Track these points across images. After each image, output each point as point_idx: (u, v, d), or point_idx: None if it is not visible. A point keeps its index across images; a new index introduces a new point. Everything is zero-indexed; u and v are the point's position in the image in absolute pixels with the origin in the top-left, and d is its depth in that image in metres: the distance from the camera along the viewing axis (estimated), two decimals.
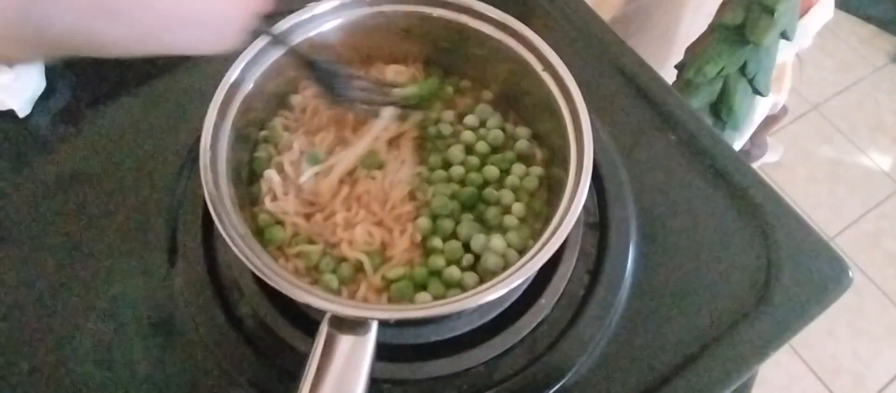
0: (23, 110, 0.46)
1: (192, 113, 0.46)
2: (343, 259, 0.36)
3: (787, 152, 1.54)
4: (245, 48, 0.36)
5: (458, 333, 0.38)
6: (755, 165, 1.29)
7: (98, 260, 0.41)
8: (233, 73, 0.36)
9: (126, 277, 0.41)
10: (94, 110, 0.48)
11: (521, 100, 0.42)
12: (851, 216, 1.51)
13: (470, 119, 0.42)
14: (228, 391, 0.37)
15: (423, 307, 0.32)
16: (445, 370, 0.37)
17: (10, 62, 0.17)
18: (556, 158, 0.38)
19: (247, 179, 0.39)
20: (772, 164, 1.50)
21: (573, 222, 0.31)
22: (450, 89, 0.43)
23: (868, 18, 1.84)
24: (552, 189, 0.39)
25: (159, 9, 0.20)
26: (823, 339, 1.35)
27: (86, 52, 0.19)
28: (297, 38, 0.38)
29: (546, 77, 0.37)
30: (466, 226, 0.37)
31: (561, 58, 0.37)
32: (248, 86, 0.37)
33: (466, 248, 0.37)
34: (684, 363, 0.39)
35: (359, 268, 0.36)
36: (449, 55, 0.43)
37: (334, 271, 0.35)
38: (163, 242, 0.41)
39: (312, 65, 0.36)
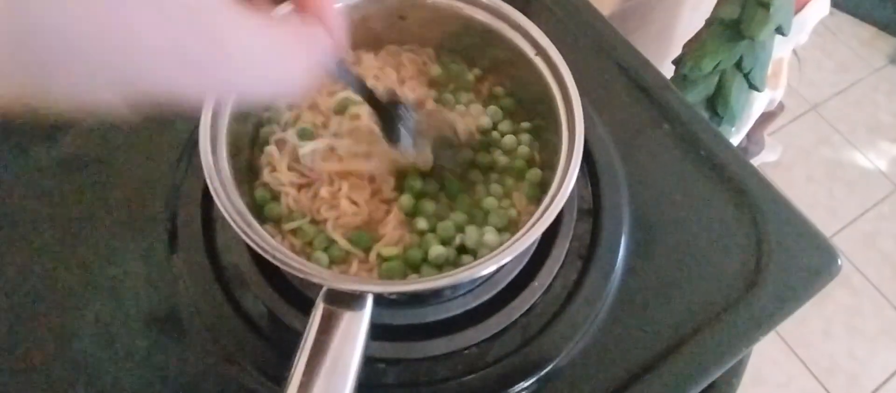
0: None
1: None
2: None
3: (785, 152, 1.55)
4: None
5: (452, 314, 0.38)
6: (753, 163, 1.30)
7: (98, 243, 0.42)
8: None
9: (126, 259, 0.41)
10: None
11: (515, 84, 0.43)
12: (849, 216, 1.52)
13: (483, 120, 0.42)
14: (228, 372, 0.38)
15: (419, 281, 0.32)
16: (440, 350, 0.38)
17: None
18: (549, 140, 0.39)
19: (247, 160, 0.40)
20: (770, 163, 1.51)
21: (566, 196, 0.31)
22: (470, 76, 0.44)
23: (868, 20, 1.84)
24: (545, 173, 0.39)
25: (235, 60, 0.19)
26: (820, 338, 1.35)
27: (160, 100, 0.18)
28: None
29: (538, 61, 0.38)
30: (456, 215, 0.38)
31: (559, 50, 0.38)
32: None
33: (460, 229, 0.37)
34: (675, 346, 0.40)
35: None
36: (444, 40, 0.44)
37: (326, 249, 0.36)
38: (162, 225, 0.42)
39: (378, 104, 0.35)
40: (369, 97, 0.34)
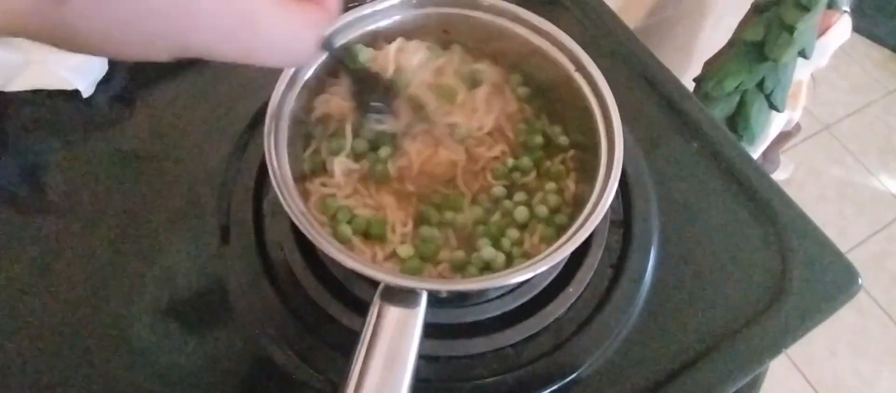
0: (87, 91, 0.49)
1: (242, 100, 0.49)
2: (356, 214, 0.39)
3: (797, 170, 1.56)
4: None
5: (491, 315, 0.40)
6: None
7: (154, 234, 0.44)
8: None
9: (180, 250, 0.43)
10: (150, 93, 0.51)
11: (554, 99, 0.44)
12: (859, 236, 1.52)
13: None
14: (274, 359, 0.40)
15: (471, 281, 0.34)
16: (477, 349, 0.40)
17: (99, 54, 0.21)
18: (587, 155, 0.41)
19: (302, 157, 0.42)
20: (781, 181, 1.52)
21: (606, 209, 0.33)
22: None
23: (882, 42, 1.85)
24: (580, 185, 0.41)
25: (261, 34, 0.24)
26: (826, 357, 1.36)
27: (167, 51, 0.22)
28: (354, 33, 0.41)
29: (578, 77, 0.40)
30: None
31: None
32: (308, 73, 0.40)
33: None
34: (699, 356, 0.41)
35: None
36: (486, 54, 0.46)
37: (349, 222, 0.38)
38: (215, 218, 0.44)
39: (359, 76, 0.38)
40: (353, 69, 0.38)
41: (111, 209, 0.45)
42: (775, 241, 0.46)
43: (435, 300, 0.38)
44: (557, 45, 0.41)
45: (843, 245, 1.49)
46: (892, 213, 1.58)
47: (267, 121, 0.36)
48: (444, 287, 0.33)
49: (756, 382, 0.46)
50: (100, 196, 0.45)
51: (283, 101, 0.38)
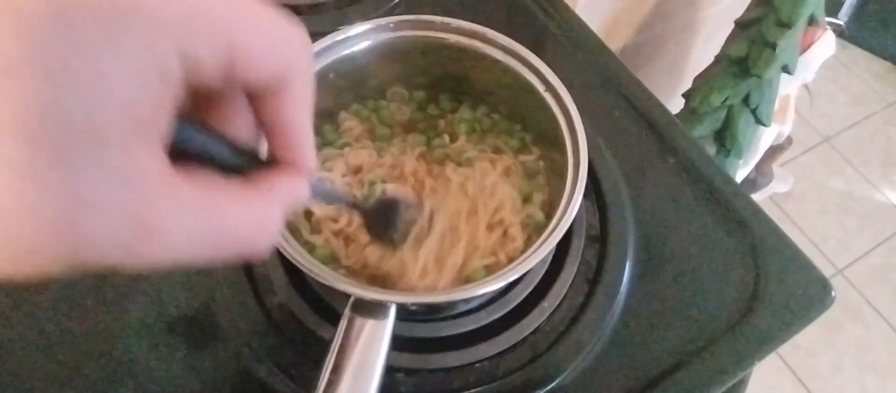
0: None
1: None
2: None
3: (797, 183, 1.56)
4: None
5: (467, 329, 0.41)
6: (763, 194, 1.32)
7: None
8: None
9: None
10: None
11: (525, 116, 0.46)
12: (860, 250, 1.52)
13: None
14: (257, 372, 0.41)
15: (437, 294, 0.35)
16: (455, 362, 0.41)
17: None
18: (556, 166, 0.42)
19: None
20: (781, 194, 1.52)
21: (573, 215, 0.34)
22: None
23: (882, 54, 1.86)
24: (552, 203, 0.43)
25: (145, 211, 0.17)
26: (831, 372, 1.35)
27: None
28: (329, 59, 0.43)
29: (547, 96, 0.41)
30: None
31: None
32: None
33: None
34: (674, 367, 0.42)
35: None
36: (459, 76, 0.47)
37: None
38: None
39: (367, 211, 0.37)
40: (356, 206, 0.36)
41: None
42: (749, 254, 0.47)
43: (410, 315, 0.40)
44: (527, 65, 0.43)
45: (845, 259, 1.50)
46: (894, 225, 1.57)
47: None
48: (413, 300, 0.34)
49: (738, 389, 0.47)
50: None
51: None
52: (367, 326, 0.31)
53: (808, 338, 1.36)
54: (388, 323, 0.31)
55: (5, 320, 0.42)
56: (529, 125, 0.46)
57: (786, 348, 1.33)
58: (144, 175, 0.17)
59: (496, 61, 0.43)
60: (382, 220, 0.37)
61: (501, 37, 0.43)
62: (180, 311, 0.43)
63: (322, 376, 0.30)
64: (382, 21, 0.43)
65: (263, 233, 0.20)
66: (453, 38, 0.44)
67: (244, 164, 0.21)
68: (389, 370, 0.40)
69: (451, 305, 0.39)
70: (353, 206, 0.35)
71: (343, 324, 0.31)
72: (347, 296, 0.33)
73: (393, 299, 0.32)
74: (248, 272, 0.44)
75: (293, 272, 0.43)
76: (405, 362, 0.41)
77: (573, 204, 0.35)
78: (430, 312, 0.41)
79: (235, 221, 0.20)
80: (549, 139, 0.43)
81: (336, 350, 0.31)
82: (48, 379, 0.40)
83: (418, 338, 0.41)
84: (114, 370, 0.40)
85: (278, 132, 0.22)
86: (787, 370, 1.35)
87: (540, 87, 0.41)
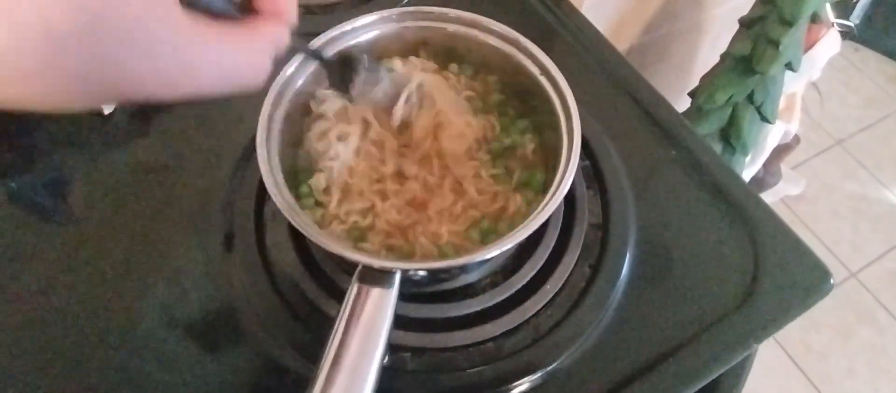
0: (107, 108, 0.53)
1: (247, 116, 0.53)
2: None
3: (809, 186, 1.55)
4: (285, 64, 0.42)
5: (472, 310, 0.43)
6: (772, 195, 1.31)
7: (164, 238, 0.48)
8: (287, 70, 0.42)
9: (188, 254, 0.47)
10: (165, 111, 0.55)
11: (523, 100, 0.47)
12: (874, 253, 1.50)
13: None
14: (273, 353, 0.43)
15: (439, 260, 0.37)
16: (460, 342, 0.42)
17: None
18: (551, 148, 0.43)
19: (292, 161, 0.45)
20: (793, 197, 1.52)
21: (567, 187, 0.36)
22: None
23: (894, 56, 1.85)
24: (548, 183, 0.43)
25: (204, 76, 0.25)
26: (844, 376, 1.34)
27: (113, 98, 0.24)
28: (335, 49, 0.44)
29: (543, 80, 0.43)
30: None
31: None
32: (300, 80, 0.43)
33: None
34: (673, 350, 0.43)
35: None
36: (461, 62, 0.49)
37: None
38: (220, 225, 0.48)
39: (329, 62, 0.40)
40: (318, 57, 0.39)
41: (124, 216, 0.49)
42: (749, 242, 0.48)
43: (418, 296, 0.42)
44: (524, 51, 0.45)
45: (858, 262, 1.49)
46: None
47: (259, 125, 0.40)
48: (417, 266, 0.35)
49: (739, 374, 0.48)
50: (115, 203, 0.49)
51: (277, 102, 0.42)
52: (374, 294, 0.33)
53: (820, 341, 1.35)
54: (393, 291, 0.33)
55: (31, 298, 0.44)
56: (528, 107, 0.47)
57: (798, 352, 1.33)
58: (183, 24, 0.23)
59: (495, 49, 0.45)
60: (341, 73, 0.40)
61: (499, 25, 0.45)
62: (200, 296, 0.45)
63: (331, 343, 0.32)
64: (386, 13, 0.45)
65: (258, 70, 0.26)
66: (452, 27, 0.46)
67: (235, 13, 0.27)
68: (396, 349, 0.42)
69: (453, 271, 0.40)
70: (315, 56, 0.39)
71: (351, 292, 0.33)
72: (355, 266, 0.34)
73: (398, 266, 0.33)
74: (264, 258, 0.46)
75: (307, 259, 0.45)
76: (412, 342, 0.42)
77: (570, 168, 0.37)
78: (435, 281, 0.42)
79: (239, 59, 0.26)
80: (543, 119, 0.44)
81: (345, 318, 0.32)
82: (80, 355, 0.42)
83: (425, 318, 0.43)
84: (136, 348, 0.43)
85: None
86: (800, 373, 1.34)
87: (536, 71, 0.43)
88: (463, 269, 0.41)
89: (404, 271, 0.34)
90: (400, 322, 0.43)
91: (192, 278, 0.46)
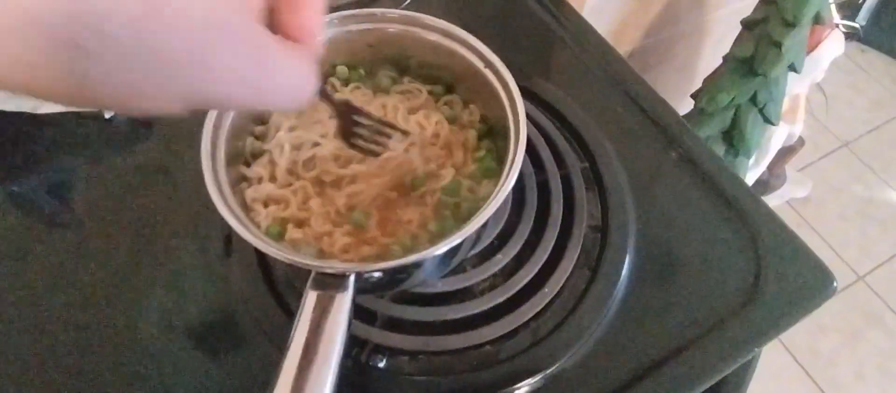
0: (108, 111, 0.54)
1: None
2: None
3: (816, 189, 1.54)
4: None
5: (470, 313, 0.43)
6: (778, 197, 1.30)
7: (164, 241, 0.48)
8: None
9: (187, 257, 0.47)
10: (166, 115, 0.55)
11: (470, 91, 0.46)
12: (882, 256, 1.49)
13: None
14: (271, 354, 0.43)
15: (393, 260, 0.35)
16: (457, 345, 0.42)
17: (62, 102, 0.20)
18: (501, 138, 0.42)
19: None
20: (800, 200, 1.51)
21: (517, 171, 0.36)
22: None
23: None
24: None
25: (279, 83, 0.24)
26: (853, 381, 1.33)
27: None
28: None
29: (488, 72, 0.42)
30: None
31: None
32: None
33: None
34: (674, 353, 0.43)
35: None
36: (406, 60, 0.47)
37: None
38: (220, 228, 0.48)
39: (336, 105, 0.39)
40: (329, 100, 0.38)
41: (126, 216, 0.49)
42: (750, 244, 0.48)
43: (411, 297, 0.41)
44: (468, 46, 0.43)
45: (866, 265, 1.48)
46: None
47: (203, 134, 0.39)
48: (370, 268, 0.34)
49: (743, 377, 0.47)
50: (117, 204, 0.50)
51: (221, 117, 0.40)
52: (327, 299, 0.32)
53: (828, 346, 1.34)
54: (349, 294, 0.32)
55: (32, 300, 0.44)
56: (475, 101, 0.46)
57: (806, 356, 1.31)
58: (262, 37, 0.23)
59: (437, 45, 0.44)
60: (345, 121, 0.40)
61: (439, 21, 0.44)
62: (198, 299, 0.45)
63: (286, 352, 0.30)
64: (327, 17, 0.44)
65: (309, 84, 0.26)
66: (394, 27, 0.45)
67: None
68: (394, 352, 0.42)
69: (408, 269, 0.38)
70: (326, 97, 0.38)
71: (304, 299, 0.32)
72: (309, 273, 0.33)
73: (352, 269, 0.33)
74: (262, 263, 0.46)
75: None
76: (409, 345, 0.42)
77: (517, 158, 0.36)
78: (390, 283, 0.41)
79: (303, 71, 0.26)
80: (491, 111, 0.43)
81: (299, 324, 0.31)
82: (80, 358, 0.42)
83: (422, 321, 0.43)
84: (135, 351, 0.43)
85: (293, 4, 0.26)
86: (808, 378, 1.33)
87: (480, 65, 0.42)
88: (418, 265, 0.39)
89: (359, 274, 0.33)
90: (397, 325, 0.43)
91: (191, 281, 0.46)
